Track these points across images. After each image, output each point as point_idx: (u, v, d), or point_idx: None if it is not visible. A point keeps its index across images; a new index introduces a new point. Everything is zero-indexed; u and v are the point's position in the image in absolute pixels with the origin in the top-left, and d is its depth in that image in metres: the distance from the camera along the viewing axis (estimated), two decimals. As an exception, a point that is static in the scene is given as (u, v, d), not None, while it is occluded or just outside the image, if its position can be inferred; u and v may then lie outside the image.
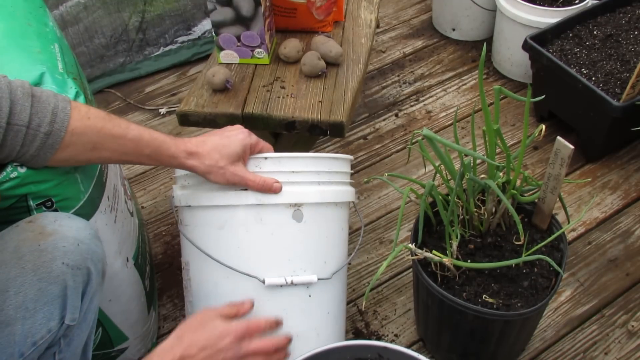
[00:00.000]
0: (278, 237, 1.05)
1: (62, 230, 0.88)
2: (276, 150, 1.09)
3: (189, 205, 1.09)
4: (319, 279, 1.07)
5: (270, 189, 1.03)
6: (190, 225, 1.10)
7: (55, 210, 0.95)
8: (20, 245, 0.85)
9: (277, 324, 1.03)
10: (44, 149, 0.87)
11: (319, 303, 1.10)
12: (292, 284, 1.05)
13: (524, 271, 1.14)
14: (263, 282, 1.04)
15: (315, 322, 1.10)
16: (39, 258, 0.85)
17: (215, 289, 1.08)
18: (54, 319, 0.86)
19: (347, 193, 1.14)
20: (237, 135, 1.02)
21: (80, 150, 0.91)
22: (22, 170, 0.89)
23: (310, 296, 1.08)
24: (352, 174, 1.75)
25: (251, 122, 1.34)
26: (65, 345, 0.91)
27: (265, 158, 1.05)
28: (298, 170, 1.06)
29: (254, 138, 1.04)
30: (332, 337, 1.13)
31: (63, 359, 0.92)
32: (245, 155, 1.03)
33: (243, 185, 1.03)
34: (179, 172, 1.13)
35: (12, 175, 0.89)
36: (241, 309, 1.00)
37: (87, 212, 1.01)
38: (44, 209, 0.94)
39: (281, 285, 1.05)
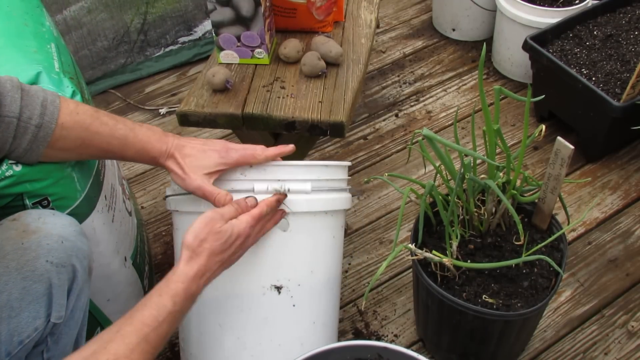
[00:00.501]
0: (261, 245, 1.02)
1: (45, 227, 0.88)
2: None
3: (178, 210, 1.08)
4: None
5: (219, 202, 0.98)
6: (180, 230, 1.09)
7: (52, 209, 0.95)
8: (3, 243, 0.85)
9: (278, 201, 1.00)
10: (36, 143, 0.88)
11: (303, 313, 1.08)
12: (288, 191, 1.02)
13: (524, 271, 1.14)
14: (252, 189, 1.01)
15: (299, 332, 1.09)
16: (23, 256, 0.84)
17: (200, 294, 1.07)
18: (40, 317, 0.85)
19: (339, 201, 1.10)
20: (213, 153, 1.00)
21: (70, 145, 0.92)
22: (18, 168, 0.89)
23: (294, 306, 1.06)
24: (352, 174, 1.76)
25: (251, 122, 1.34)
26: (53, 344, 0.90)
27: (250, 166, 1.03)
28: (285, 178, 1.03)
29: (232, 157, 1.00)
30: (317, 347, 1.09)
31: (52, 357, 0.91)
32: (214, 174, 1.00)
33: (203, 198, 1.00)
34: None
35: (7, 174, 0.89)
36: (246, 209, 0.97)
37: (83, 211, 1.01)
38: (40, 208, 0.94)
39: (263, 294, 1.04)
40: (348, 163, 1.17)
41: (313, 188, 1.06)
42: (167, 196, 1.12)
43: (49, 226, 0.88)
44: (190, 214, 1.05)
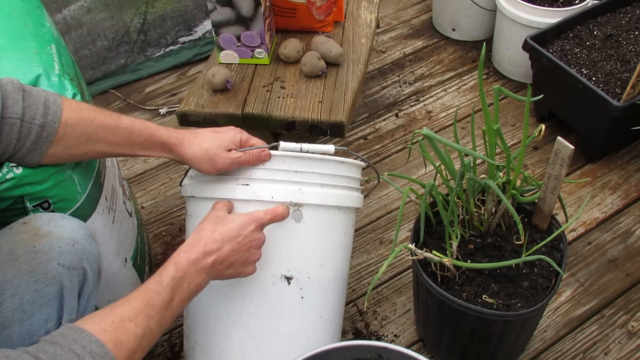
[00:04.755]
0: (275, 235, 1.04)
1: (56, 230, 0.88)
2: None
3: (193, 196, 1.09)
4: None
5: (259, 159, 1.04)
6: (194, 216, 1.11)
7: (53, 212, 0.95)
8: (15, 247, 0.85)
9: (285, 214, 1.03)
10: (40, 142, 0.88)
11: (311, 306, 1.09)
12: (302, 150, 1.08)
13: (524, 271, 1.14)
14: (277, 147, 1.06)
15: (305, 325, 1.09)
16: (35, 259, 0.84)
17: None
18: (52, 320, 0.86)
19: (352, 198, 1.12)
20: (228, 132, 1.04)
21: (75, 142, 0.92)
22: (18, 171, 0.89)
23: (302, 298, 1.07)
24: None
25: (251, 122, 1.34)
26: None
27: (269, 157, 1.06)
28: (301, 170, 1.06)
29: (245, 135, 1.06)
30: (322, 341, 1.12)
31: None
32: (235, 148, 1.04)
33: (233, 168, 1.03)
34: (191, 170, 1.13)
35: (7, 177, 0.89)
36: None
37: (84, 213, 1.01)
38: (40, 210, 0.94)
39: (273, 283, 1.05)
40: (362, 163, 1.17)
41: (327, 183, 1.08)
42: (182, 196, 1.13)
43: (60, 229, 0.89)
44: (206, 199, 1.07)
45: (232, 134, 1.03)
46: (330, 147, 1.12)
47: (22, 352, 0.67)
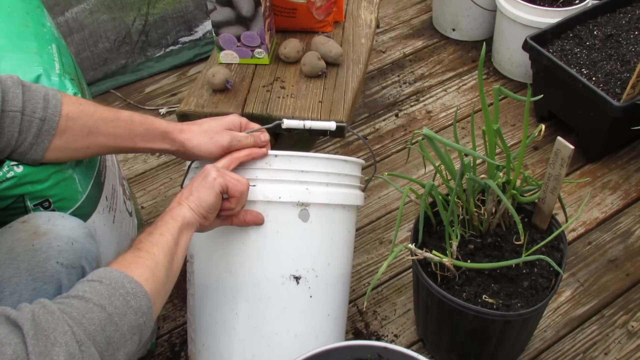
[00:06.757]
0: (283, 235, 1.05)
1: (55, 229, 0.88)
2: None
3: None
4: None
5: (258, 139, 1.05)
6: None
7: (53, 211, 0.95)
8: (14, 245, 0.85)
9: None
10: (42, 136, 0.88)
11: (319, 304, 1.10)
12: (304, 127, 1.12)
13: (524, 271, 1.14)
14: (281, 124, 1.10)
15: (314, 324, 1.10)
16: (34, 258, 0.85)
17: (217, 283, 1.08)
18: None
19: (355, 196, 1.13)
20: (228, 117, 1.06)
21: (77, 136, 0.92)
22: (19, 170, 0.90)
23: (311, 297, 1.08)
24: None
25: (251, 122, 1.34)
26: None
27: (275, 155, 1.05)
28: (307, 170, 1.06)
29: (244, 120, 1.07)
30: (331, 340, 1.13)
31: None
32: (235, 129, 1.05)
33: (234, 144, 1.02)
34: (192, 164, 1.13)
35: (8, 175, 0.89)
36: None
37: (85, 212, 1.01)
38: (41, 209, 0.94)
39: (282, 283, 1.05)
40: (362, 161, 1.18)
41: (332, 182, 1.09)
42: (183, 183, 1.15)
43: (59, 228, 0.89)
44: None
45: (232, 117, 1.05)
46: (332, 124, 1.15)
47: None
